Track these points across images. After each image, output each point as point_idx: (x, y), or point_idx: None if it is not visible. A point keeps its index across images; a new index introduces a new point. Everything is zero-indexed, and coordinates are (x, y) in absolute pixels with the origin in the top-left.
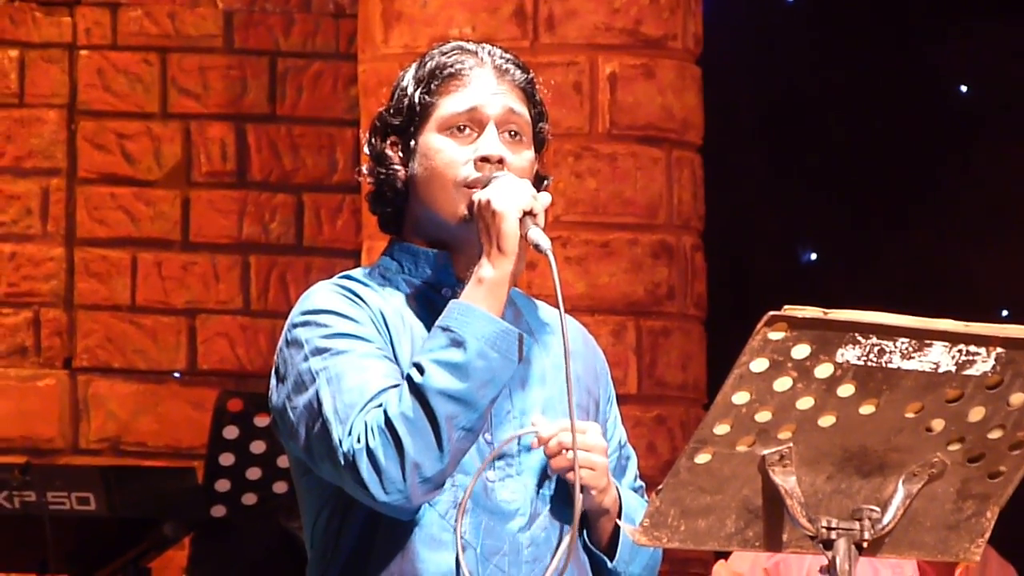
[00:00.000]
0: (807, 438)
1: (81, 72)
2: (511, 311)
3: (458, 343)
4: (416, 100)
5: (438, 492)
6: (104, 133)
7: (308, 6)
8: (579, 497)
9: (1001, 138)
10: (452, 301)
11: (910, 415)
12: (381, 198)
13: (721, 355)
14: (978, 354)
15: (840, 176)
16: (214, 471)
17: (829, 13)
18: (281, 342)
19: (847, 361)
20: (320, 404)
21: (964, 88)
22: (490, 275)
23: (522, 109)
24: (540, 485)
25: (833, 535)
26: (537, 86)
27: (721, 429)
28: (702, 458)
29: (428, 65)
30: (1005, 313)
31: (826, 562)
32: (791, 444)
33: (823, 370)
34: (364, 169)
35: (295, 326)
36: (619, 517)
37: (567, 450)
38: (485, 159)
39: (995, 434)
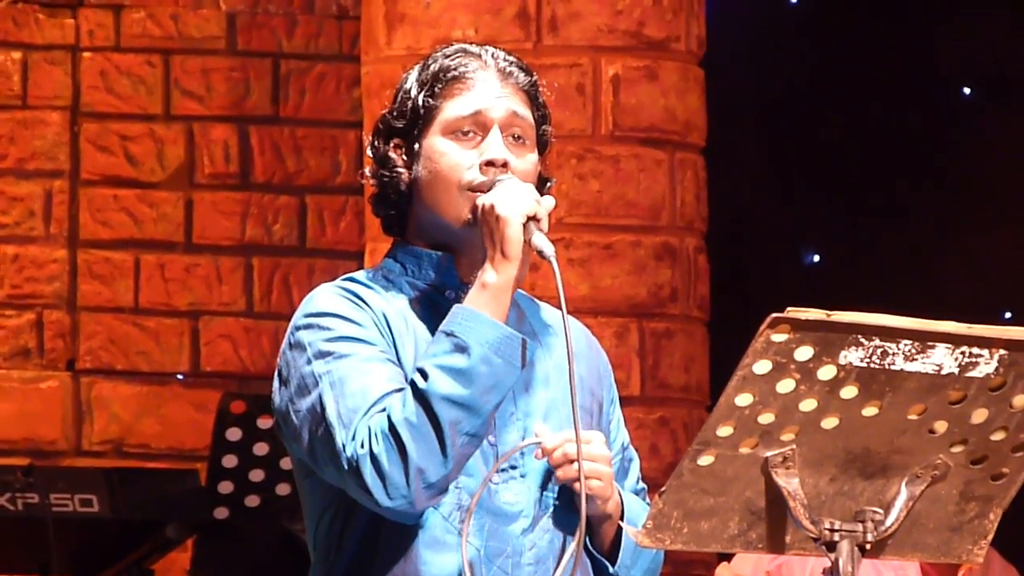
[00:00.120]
0: (810, 440)
1: (84, 74)
2: (514, 313)
3: (462, 348)
4: (420, 103)
5: (442, 497)
6: (107, 135)
7: (311, 8)
8: (584, 508)
9: (1004, 138)
10: (456, 306)
11: (913, 417)
12: (384, 200)
13: (724, 357)
14: (981, 356)
15: (843, 178)
16: (217, 473)
17: (832, 15)
18: (284, 345)
19: (850, 363)
20: (323, 408)
21: (967, 90)
22: (494, 280)
23: (526, 112)
24: (543, 487)
25: (836, 537)
26: (540, 88)
27: (724, 431)
28: (705, 460)
29: (432, 68)
30: (1008, 315)
31: (829, 564)
32: (794, 446)
33: (826, 372)
34: (367, 171)
35: (298, 329)
36: (621, 520)
37: (573, 461)
38: (490, 163)
39: (998, 436)
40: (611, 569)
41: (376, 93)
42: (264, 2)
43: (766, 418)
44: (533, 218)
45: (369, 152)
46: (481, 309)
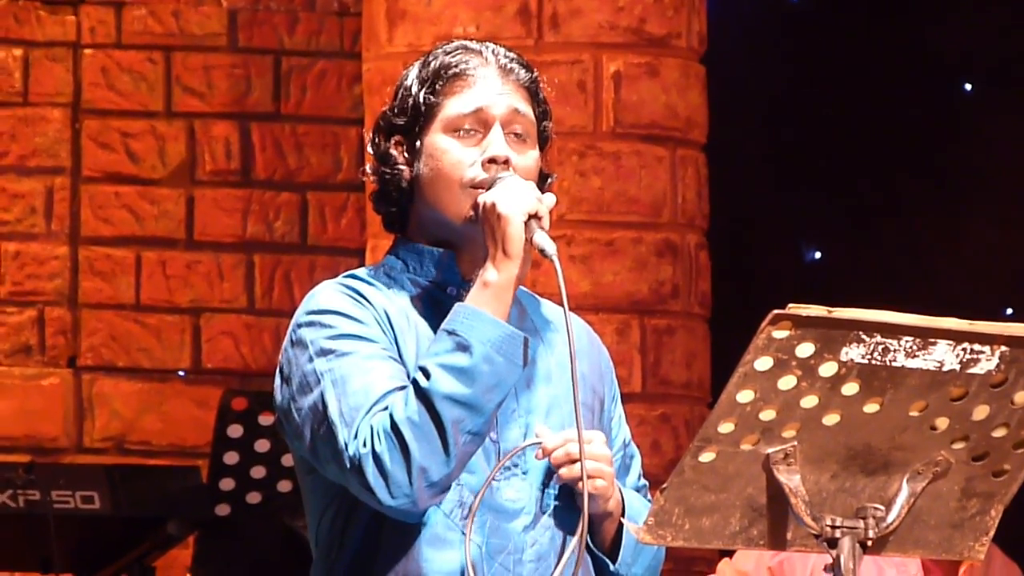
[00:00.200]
0: (811, 436)
1: (85, 71)
2: (515, 310)
3: (464, 347)
4: (421, 100)
5: (444, 495)
6: (108, 132)
7: (312, 5)
8: (586, 508)
9: (1006, 134)
10: (457, 304)
11: (914, 413)
12: (385, 197)
13: (725, 354)
14: (982, 353)
15: (844, 175)
16: (218, 470)
17: (832, 11)
18: (286, 342)
19: (851, 360)
20: (325, 406)
21: (969, 86)
22: (495, 279)
23: (527, 109)
24: (545, 484)
25: (837, 533)
26: (541, 84)
27: (725, 428)
28: (706, 456)
29: (432, 65)
30: (1009, 311)
31: (830, 560)
32: (795, 442)
33: (827, 369)
34: (368, 168)
35: (300, 326)
36: (622, 517)
37: (575, 461)
38: (491, 160)
39: (999, 432)
40: (612, 567)
41: (377, 90)
42: None
43: (767, 415)
44: (535, 216)
45: (370, 149)
46: (483, 308)
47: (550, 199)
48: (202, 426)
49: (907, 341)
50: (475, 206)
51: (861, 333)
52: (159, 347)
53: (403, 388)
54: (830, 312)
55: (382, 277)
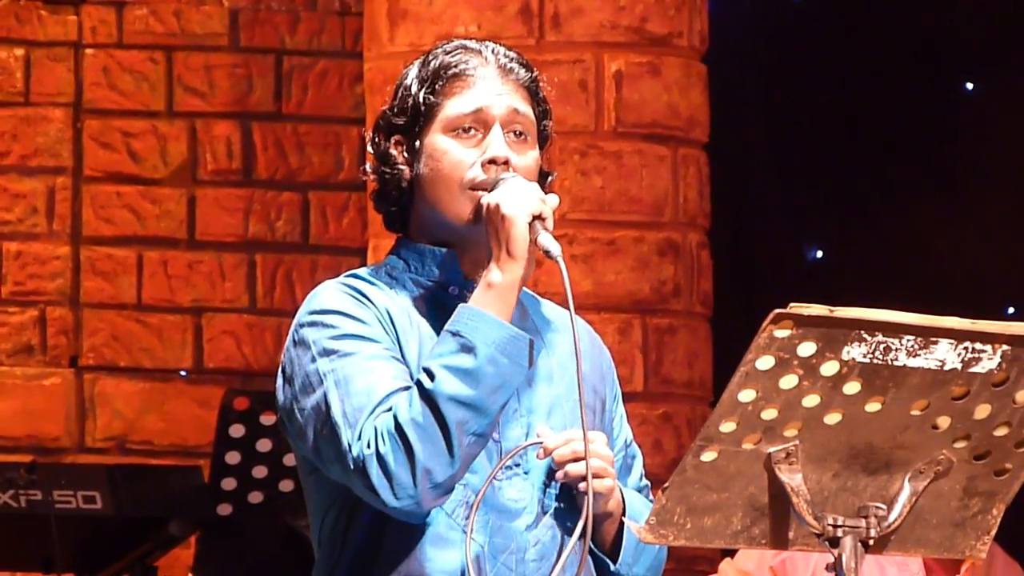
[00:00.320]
0: (813, 436)
1: (87, 70)
2: (517, 310)
3: (468, 349)
4: (420, 100)
5: (448, 496)
6: (110, 132)
7: (314, 4)
8: (590, 506)
9: (1009, 133)
10: (461, 305)
11: (916, 413)
12: (386, 197)
13: (727, 353)
14: (984, 351)
15: (846, 174)
16: (220, 469)
17: (835, 10)
18: (288, 342)
19: (853, 359)
20: (328, 407)
21: (970, 85)
22: (499, 280)
23: (527, 108)
24: (547, 484)
25: (839, 533)
26: (541, 83)
27: (727, 427)
28: (708, 456)
29: (432, 64)
30: (1011, 310)
31: (832, 560)
32: (797, 442)
33: (829, 368)
34: (368, 168)
35: (302, 326)
36: (623, 517)
37: (580, 459)
38: (492, 161)
39: (1001, 431)
40: (613, 567)
41: (379, 89)
42: None
43: (769, 414)
44: (539, 217)
45: (370, 148)
46: (487, 309)
47: (554, 200)
48: (204, 426)
49: (909, 340)
50: (478, 207)
51: (863, 332)
52: (161, 347)
53: (406, 389)
54: (832, 311)
55: (384, 277)
